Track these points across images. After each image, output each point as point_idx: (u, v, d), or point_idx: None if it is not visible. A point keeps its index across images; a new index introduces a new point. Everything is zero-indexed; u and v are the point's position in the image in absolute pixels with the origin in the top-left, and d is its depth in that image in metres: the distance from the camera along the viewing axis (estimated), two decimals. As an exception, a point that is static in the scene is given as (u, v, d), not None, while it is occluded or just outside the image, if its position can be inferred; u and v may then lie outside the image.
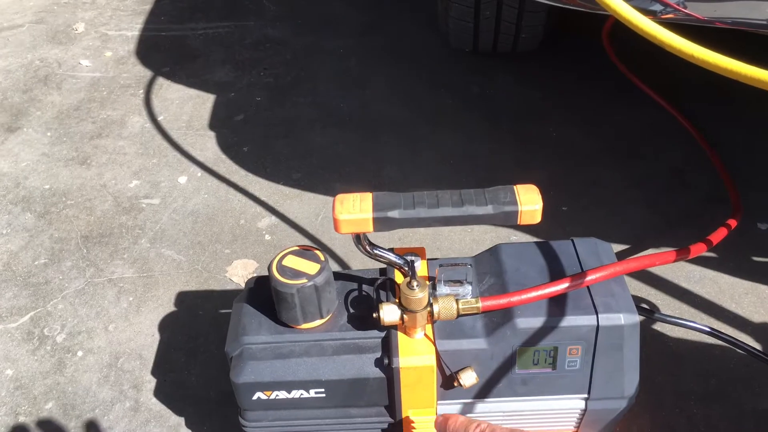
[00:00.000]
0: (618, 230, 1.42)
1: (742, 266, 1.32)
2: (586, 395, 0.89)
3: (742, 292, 1.27)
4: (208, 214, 1.53)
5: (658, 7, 0.99)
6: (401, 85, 1.90)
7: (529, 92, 1.84)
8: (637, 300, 1.26)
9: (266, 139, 1.74)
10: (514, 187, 0.83)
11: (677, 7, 0.99)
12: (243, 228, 1.50)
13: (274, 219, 1.52)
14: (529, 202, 0.81)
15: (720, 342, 1.08)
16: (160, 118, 1.83)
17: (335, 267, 1.38)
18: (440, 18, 1.92)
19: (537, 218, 0.81)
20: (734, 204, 1.31)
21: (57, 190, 1.60)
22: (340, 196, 0.84)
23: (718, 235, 1.09)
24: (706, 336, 1.09)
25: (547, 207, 1.47)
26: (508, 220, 0.81)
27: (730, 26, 1.04)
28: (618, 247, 1.37)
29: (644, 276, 1.32)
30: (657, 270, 1.32)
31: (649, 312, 0.97)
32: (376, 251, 0.87)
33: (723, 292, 1.28)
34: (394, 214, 0.82)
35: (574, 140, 1.67)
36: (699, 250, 1.02)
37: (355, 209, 0.82)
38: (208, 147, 1.73)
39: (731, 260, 1.33)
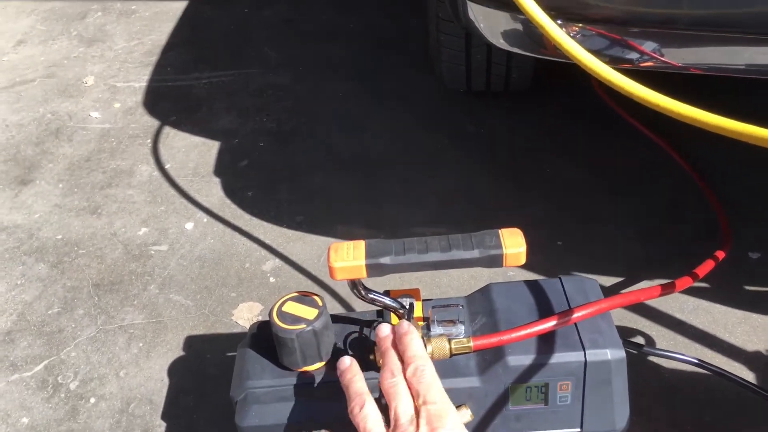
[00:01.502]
0: (612, 265, 1.45)
1: (734, 296, 1.35)
2: (578, 429, 0.92)
3: (735, 322, 1.30)
4: (214, 259, 1.58)
5: (634, 56, 1.04)
6: (399, 126, 1.96)
7: (522, 129, 1.90)
8: (631, 332, 1.29)
9: (270, 183, 1.80)
10: (499, 231, 0.87)
11: (654, 54, 1.04)
12: (248, 271, 1.54)
13: (278, 261, 1.57)
14: (514, 245, 0.85)
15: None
16: (167, 166, 1.89)
17: (337, 307, 1.42)
18: (434, 61, 1.99)
19: (521, 260, 0.86)
20: (724, 235, 1.35)
21: (69, 240, 1.66)
22: (334, 245, 0.88)
23: (705, 268, 1.13)
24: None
25: (542, 242, 1.52)
26: (494, 263, 0.85)
27: (707, 72, 1.08)
28: (612, 281, 1.41)
29: (639, 308, 1.35)
30: (652, 302, 1.35)
31: (636, 345, 1.01)
32: (370, 296, 0.91)
33: (716, 321, 1.30)
34: (386, 260, 0.86)
35: (567, 176, 1.72)
36: (685, 283, 1.06)
37: (349, 257, 0.86)
38: (213, 193, 1.79)
39: (724, 290, 1.36)
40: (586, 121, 1.89)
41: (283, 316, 0.91)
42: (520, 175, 1.74)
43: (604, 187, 1.68)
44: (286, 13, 2.61)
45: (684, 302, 1.35)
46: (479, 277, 1.46)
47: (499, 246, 0.85)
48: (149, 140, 2.00)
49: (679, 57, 1.05)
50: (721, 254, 1.21)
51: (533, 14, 0.85)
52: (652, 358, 1.23)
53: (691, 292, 1.35)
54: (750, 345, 1.25)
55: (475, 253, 0.85)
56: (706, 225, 1.51)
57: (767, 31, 0.95)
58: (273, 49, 2.42)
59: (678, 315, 1.32)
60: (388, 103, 2.06)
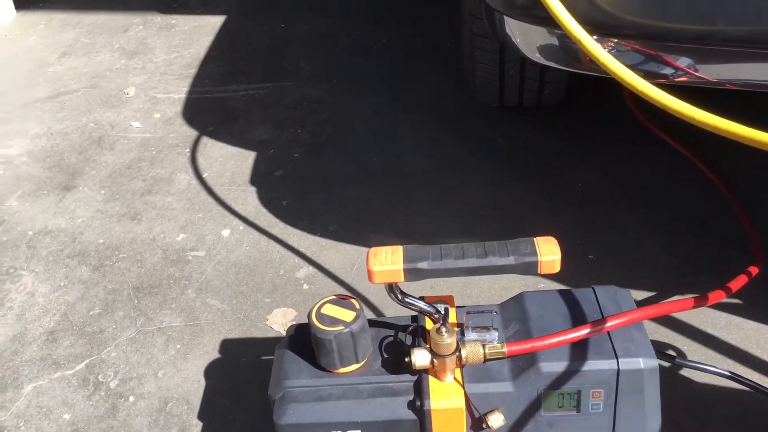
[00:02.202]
0: (643, 277, 1.46)
1: (766, 312, 1.34)
2: (610, 437, 0.93)
3: (767, 338, 1.29)
4: (249, 265, 1.62)
5: (669, 71, 1.06)
6: (431, 139, 1.99)
7: (554, 143, 1.91)
8: (663, 345, 1.29)
9: (304, 193, 1.84)
10: (534, 239, 0.89)
11: (688, 70, 1.05)
12: (282, 278, 1.58)
13: (311, 269, 1.60)
14: (548, 253, 0.87)
15: (746, 388, 1.11)
16: (204, 175, 1.94)
17: (370, 314, 1.44)
18: (468, 75, 2.02)
19: (556, 268, 0.88)
20: (756, 251, 1.35)
21: (110, 245, 1.72)
22: (373, 249, 0.91)
23: (738, 283, 1.13)
24: (733, 382, 1.12)
25: (573, 254, 1.53)
26: (529, 270, 0.88)
27: (743, 88, 1.10)
28: (643, 294, 1.41)
29: (671, 322, 1.35)
30: (683, 316, 1.35)
31: (669, 357, 1.02)
32: (407, 300, 0.94)
33: (749, 338, 1.30)
34: (423, 265, 0.89)
35: (598, 189, 1.73)
36: (717, 297, 1.06)
37: (387, 261, 0.89)
38: (249, 201, 1.83)
39: (757, 306, 1.36)
40: (617, 134, 1.90)
41: (321, 317, 0.94)
42: (551, 187, 1.75)
43: (635, 198, 1.68)
44: (321, 28, 2.66)
45: (716, 318, 1.35)
46: (510, 288, 1.47)
47: (534, 253, 0.87)
48: (188, 150, 2.06)
49: (714, 72, 1.07)
50: (754, 270, 1.21)
51: (571, 29, 0.87)
52: (683, 371, 1.23)
53: (722, 307, 1.35)
54: (783, 361, 1.24)
55: (510, 260, 0.87)
56: (735, 237, 1.51)
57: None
58: (308, 62, 2.47)
59: (710, 330, 1.32)
60: (419, 116, 2.10)
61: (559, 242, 0.89)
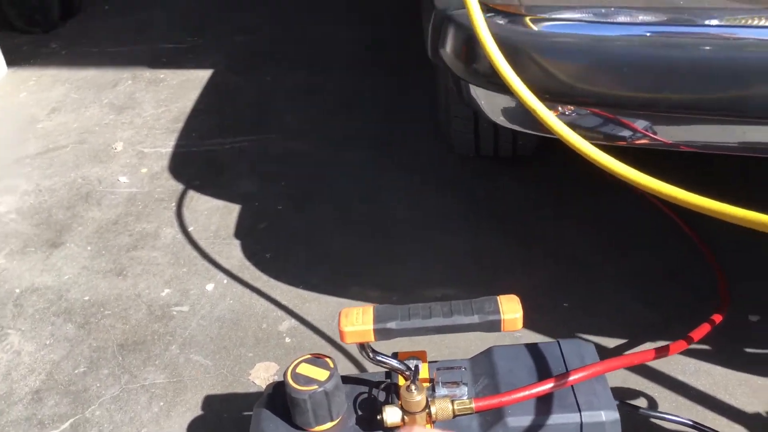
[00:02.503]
0: (616, 326, 1.50)
1: (735, 358, 1.38)
2: (577, 488, 0.96)
3: (735, 384, 1.33)
4: (233, 319, 1.65)
5: (627, 133, 1.12)
6: (412, 191, 2.04)
7: (530, 192, 1.97)
8: (634, 394, 1.33)
9: (287, 245, 1.88)
10: (498, 297, 0.94)
11: (646, 132, 1.11)
12: (265, 332, 1.61)
13: (294, 322, 1.63)
14: (511, 311, 0.92)
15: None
16: (190, 229, 1.99)
17: (349, 367, 1.48)
18: (444, 128, 2.08)
19: (518, 326, 0.92)
20: (722, 299, 1.39)
21: (96, 301, 1.75)
22: (345, 310, 0.95)
23: (701, 332, 1.18)
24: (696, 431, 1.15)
25: (548, 303, 1.57)
26: (492, 328, 0.92)
27: (699, 150, 1.16)
28: (615, 342, 1.45)
29: (642, 369, 1.39)
30: (654, 364, 1.39)
31: (632, 407, 1.05)
32: (378, 358, 0.97)
33: (717, 384, 1.34)
34: (392, 325, 0.93)
35: (574, 238, 1.78)
36: (679, 347, 1.11)
37: (358, 321, 0.93)
38: (233, 255, 1.87)
39: (724, 352, 1.40)
40: (591, 183, 1.96)
41: (296, 377, 0.97)
42: (528, 237, 1.80)
43: (609, 248, 1.73)
44: (307, 82, 2.74)
45: (685, 364, 1.39)
46: (486, 337, 1.51)
47: (497, 312, 0.92)
48: (173, 204, 2.11)
49: (670, 135, 1.12)
50: (718, 317, 1.26)
51: (524, 98, 0.93)
52: (647, 421, 1.26)
53: (692, 353, 1.39)
54: (750, 407, 1.28)
55: (474, 319, 0.91)
56: (710, 286, 1.56)
57: (749, 113, 1.02)
58: (293, 115, 2.54)
59: (680, 377, 1.36)
60: (401, 168, 2.16)
61: (534, 291, 0.94)
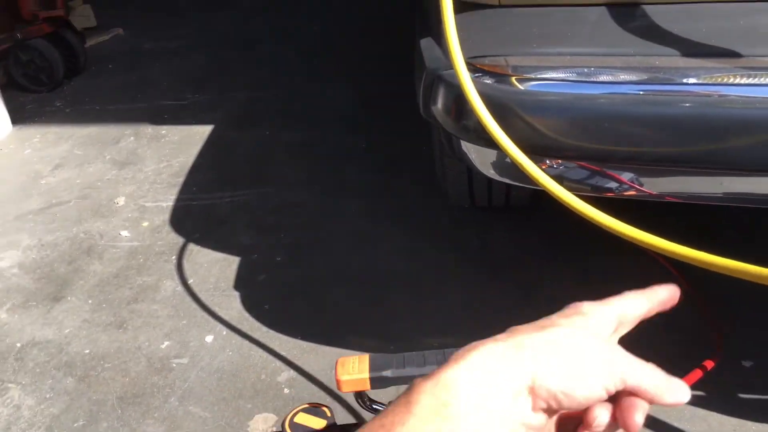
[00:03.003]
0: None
1: (730, 404, 1.40)
2: None
3: (730, 429, 1.34)
4: (231, 371, 1.67)
5: (614, 185, 1.17)
6: (408, 242, 2.08)
7: (525, 241, 2.01)
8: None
9: (285, 297, 1.91)
10: (491, 345, 0.96)
11: (632, 184, 1.16)
12: (264, 383, 1.62)
13: (292, 372, 1.65)
14: (503, 359, 0.94)
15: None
16: (190, 281, 2.01)
17: (347, 416, 1.48)
18: (439, 179, 2.14)
19: (511, 373, 0.94)
20: (717, 344, 1.41)
21: (96, 354, 1.76)
22: (341, 359, 0.98)
23: (692, 378, 1.19)
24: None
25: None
26: (486, 376, 0.94)
27: (685, 201, 1.20)
28: (611, 389, 1.46)
29: (638, 416, 1.39)
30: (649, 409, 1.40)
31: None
32: (374, 406, 0.99)
33: (713, 429, 1.35)
34: (387, 373, 0.95)
35: (568, 285, 1.81)
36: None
37: (354, 370, 0.96)
38: (233, 306, 1.90)
39: (720, 398, 1.41)
40: (585, 230, 2.00)
41: (294, 427, 0.99)
42: (523, 287, 1.83)
43: (604, 297, 1.75)
44: (303, 136, 2.82)
45: (681, 411, 1.40)
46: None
47: (489, 360, 0.94)
48: (174, 257, 2.14)
49: (655, 186, 1.17)
50: (710, 363, 1.28)
51: (511, 153, 0.98)
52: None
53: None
54: (746, 453, 1.29)
55: (467, 367, 0.94)
56: (703, 332, 1.58)
57: (726, 165, 1.07)
58: (291, 168, 2.60)
59: (676, 423, 1.37)
60: (397, 219, 2.20)
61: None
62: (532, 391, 0.46)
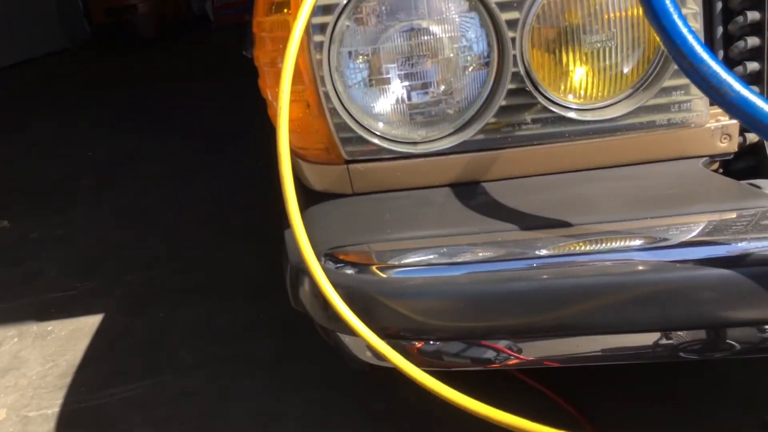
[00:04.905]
0: None
1: None
2: None
3: None
4: None
5: (491, 355, 1.17)
6: (312, 410, 2.01)
7: (429, 399, 1.97)
8: None
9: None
10: None
11: (510, 352, 1.17)
12: None
13: None
14: None
15: None
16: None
17: None
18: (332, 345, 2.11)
19: None
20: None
21: None
22: None
23: None
24: None
25: None
26: None
27: (564, 365, 1.21)
28: None
29: None
30: None
31: None
32: None
33: None
34: None
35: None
36: None
37: None
38: None
39: None
40: (491, 385, 2.00)
41: None
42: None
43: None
44: (201, 312, 2.74)
45: None
46: None
47: None
48: (59, 474, 1.95)
49: (530, 353, 1.18)
50: None
51: (365, 335, 0.99)
52: None
53: None
54: None
55: None
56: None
57: (590, 329, 1.10)
58: (188, 350, 2.49)
59: None
60: (303, 389, 2.13)
61: None
62: None
